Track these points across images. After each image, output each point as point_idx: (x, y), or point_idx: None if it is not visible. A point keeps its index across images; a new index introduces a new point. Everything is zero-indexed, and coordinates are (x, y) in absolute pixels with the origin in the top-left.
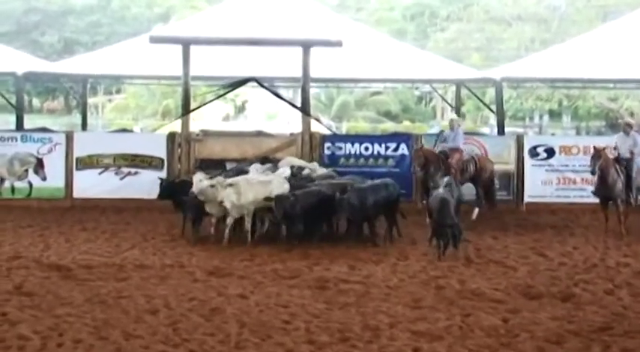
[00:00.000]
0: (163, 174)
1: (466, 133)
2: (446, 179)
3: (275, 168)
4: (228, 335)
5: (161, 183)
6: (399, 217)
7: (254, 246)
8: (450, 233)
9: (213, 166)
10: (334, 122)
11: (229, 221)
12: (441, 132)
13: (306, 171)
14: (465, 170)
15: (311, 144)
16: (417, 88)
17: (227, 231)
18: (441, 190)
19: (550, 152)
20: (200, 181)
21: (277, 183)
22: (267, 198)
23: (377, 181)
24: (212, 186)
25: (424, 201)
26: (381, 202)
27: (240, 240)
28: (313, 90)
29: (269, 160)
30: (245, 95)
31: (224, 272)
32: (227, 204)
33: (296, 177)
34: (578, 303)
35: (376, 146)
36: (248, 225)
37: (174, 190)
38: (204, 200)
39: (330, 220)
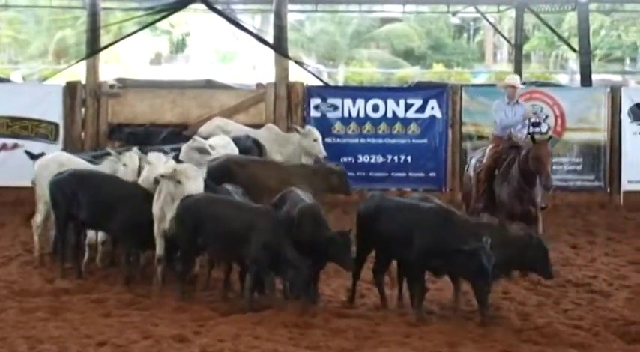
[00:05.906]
0: (57, 147)
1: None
2: None
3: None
4: None
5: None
6: None
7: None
8: None
9: (139, 136)
10: (325, 66)
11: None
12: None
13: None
14: None
15: (289, 102)
16: (454, 14)
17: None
18: None
19: None
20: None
21: None
22: None
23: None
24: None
25: None
26: None
27: None
28: (292, 17)
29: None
30: (186, 24)
31: (152, 302)
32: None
33: None
34: None
35: (391, 104)
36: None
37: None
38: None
39: None
